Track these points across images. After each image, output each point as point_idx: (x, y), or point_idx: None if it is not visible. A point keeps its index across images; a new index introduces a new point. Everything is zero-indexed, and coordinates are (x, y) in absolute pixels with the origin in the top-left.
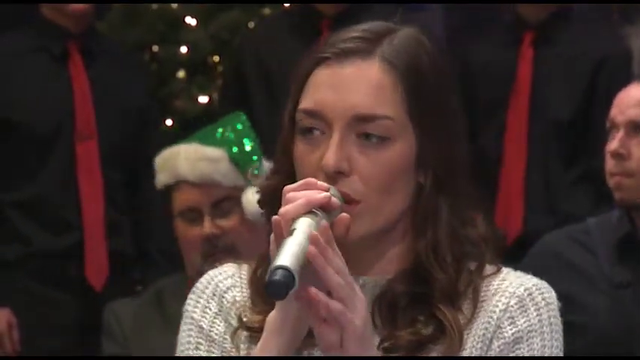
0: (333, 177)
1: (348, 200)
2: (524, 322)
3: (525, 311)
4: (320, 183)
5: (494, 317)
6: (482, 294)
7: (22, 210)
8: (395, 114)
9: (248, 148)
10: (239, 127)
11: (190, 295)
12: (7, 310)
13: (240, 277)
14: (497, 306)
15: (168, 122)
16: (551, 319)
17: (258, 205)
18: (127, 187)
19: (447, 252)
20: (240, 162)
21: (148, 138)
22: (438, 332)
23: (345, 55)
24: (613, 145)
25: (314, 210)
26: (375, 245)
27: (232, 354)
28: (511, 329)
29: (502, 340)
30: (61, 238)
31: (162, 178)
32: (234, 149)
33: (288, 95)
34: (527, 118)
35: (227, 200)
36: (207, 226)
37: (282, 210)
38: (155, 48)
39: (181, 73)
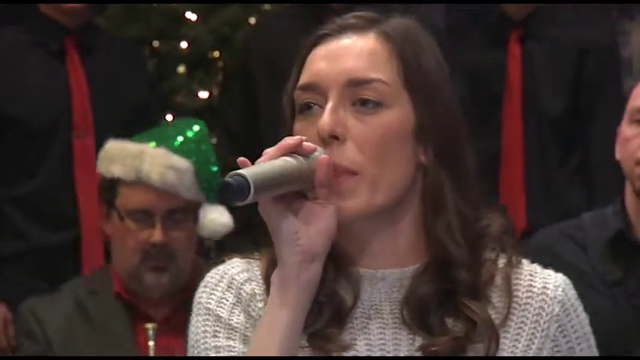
0: (329, 142)
1: (346, 170)
2: (573, 331)
3: (570, 320)
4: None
5: (542, 322)
6: (513, 287)
7: (18, 205)
8: (389, 80)
9: (212, 162)
10: (199, 136)
11: (203, 289)
12: (2, 306)
13: (254, 273)
14: (542, 309)
15: (169, 117)
16: (584, 315)
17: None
18: None
19: (460, 236)
20: (202, 176)
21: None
22: (471, 330)
23: (343, 30)
24: None
25: (291, 155)
26: (387, 235)
27: None
28: (565, 341)
29: (558, 353)
30: (58, 234)
31: (115, 170)
32: (199, 163)
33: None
34: (521, 115)
35: (181, 211)
36: (158, 234)
37: (257, 161)
38: (155, 43)
39: (181, 69)
